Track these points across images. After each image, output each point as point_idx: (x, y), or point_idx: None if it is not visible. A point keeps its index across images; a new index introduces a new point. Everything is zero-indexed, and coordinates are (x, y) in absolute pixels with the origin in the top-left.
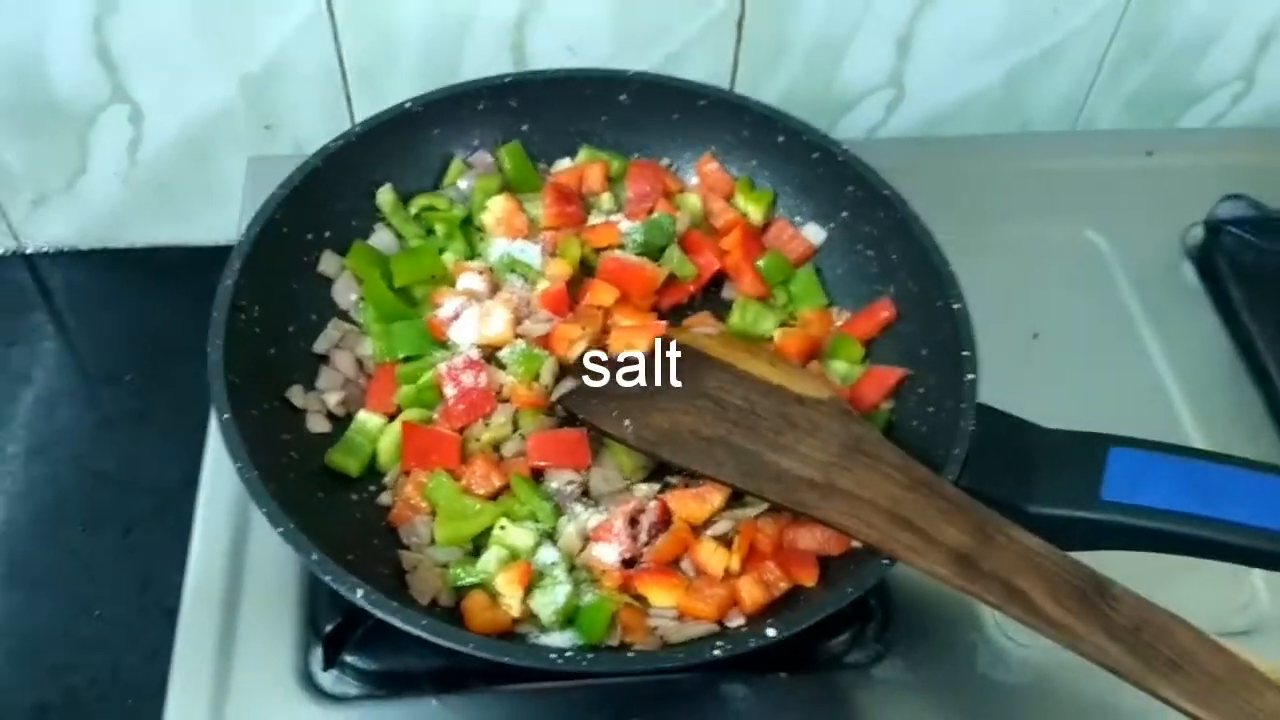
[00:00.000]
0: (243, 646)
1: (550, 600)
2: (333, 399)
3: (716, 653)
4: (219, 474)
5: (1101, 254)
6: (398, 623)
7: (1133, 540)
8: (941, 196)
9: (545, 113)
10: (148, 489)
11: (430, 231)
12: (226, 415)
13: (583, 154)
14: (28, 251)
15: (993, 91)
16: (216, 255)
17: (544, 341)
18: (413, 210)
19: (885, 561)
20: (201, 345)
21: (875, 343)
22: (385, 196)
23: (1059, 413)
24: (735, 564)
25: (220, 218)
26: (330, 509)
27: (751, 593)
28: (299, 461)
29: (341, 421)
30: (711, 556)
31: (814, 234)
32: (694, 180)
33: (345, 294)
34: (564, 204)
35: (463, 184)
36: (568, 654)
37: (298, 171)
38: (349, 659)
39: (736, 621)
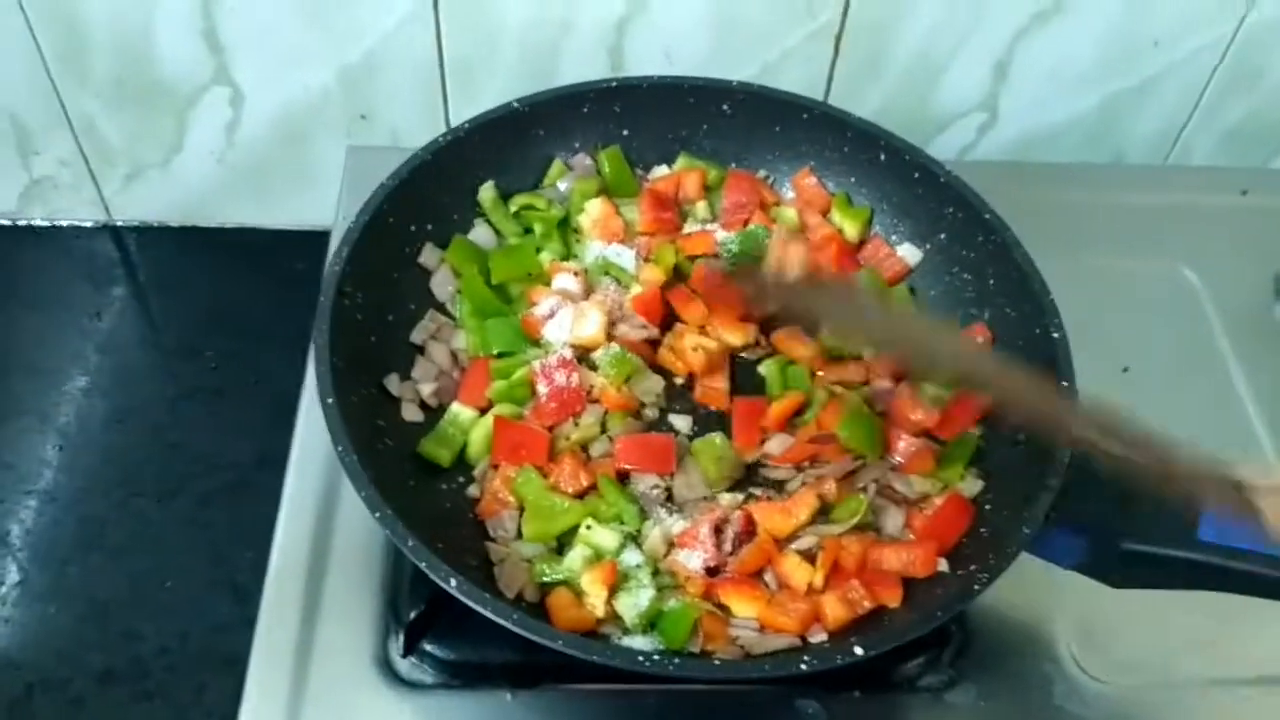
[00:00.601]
0: (323, 627)
1: (634, 603)
2: (426, 389)
3: (803, 667)
4: (307, 456)
5: (1194, 291)
6: (489, 614)
7: (1225, 582)
8: (1030, 223)
9: (647, 118)
10: (222, 465)
11: (528, 230)
12: (330, 399)
13: (680, 161)
14: (117, 224)
15: (1086, 120)
16: (301, 240)
17: (635, 346)
18: (512, 208)
19: (976, 587)
20: (283, 327)
21: None
22: (487, 193)
23: None
24: (819, 580)
25: (308, 203)
26: (420, 497)
27: (835, 609)
28: (393, 449)
29: (434, 412)
30: (795, 570)
31: (910, 254)
32: (790, 194)
33: (443, 287)
34: (660, 210)
35: (562, 185)
36: (655, 657)
37: (406, 164)
38: (428, 647)
39: (818, 637)
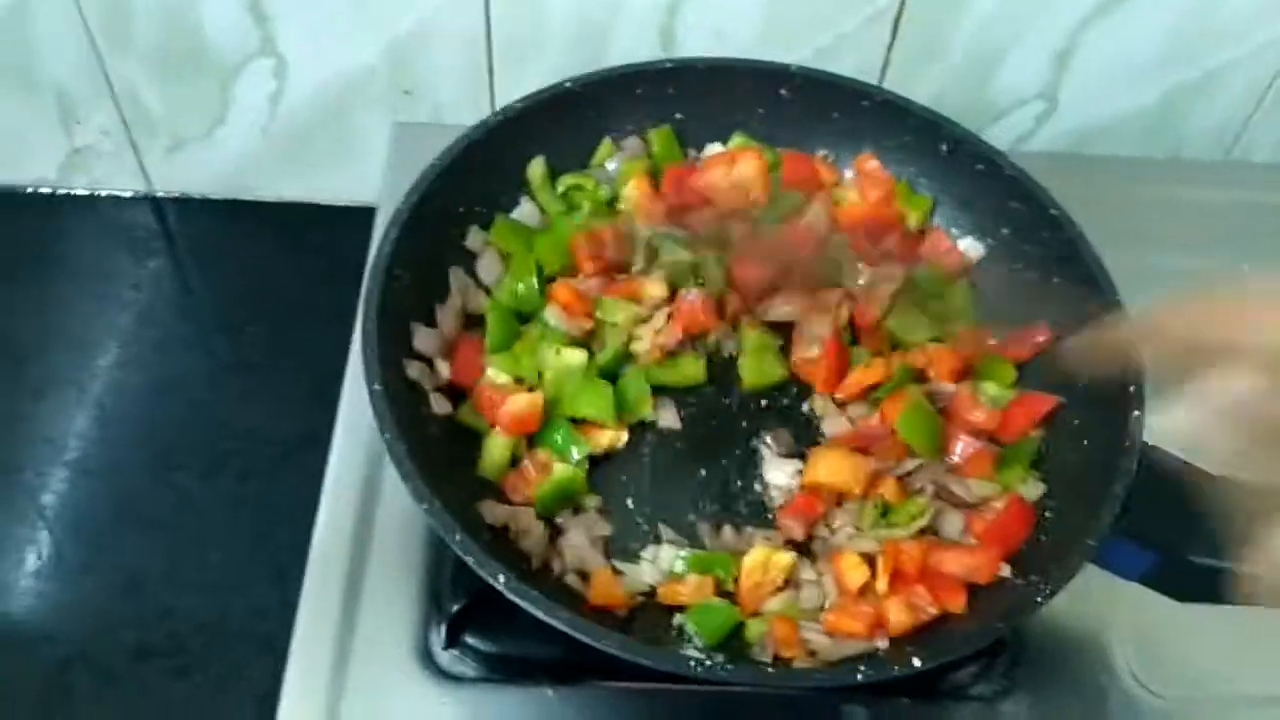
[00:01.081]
0: (365, 617)
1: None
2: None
3: (859, 677)
4: (350, 438)
5: None
6: (540, 613)
7: None
8: (1087, 217)
9: (701, 101)
10: (263, 440)
11: (574, 209)
12: (377, 386)
13: (736, 139)
14: (158, 195)
15: (1147, 113)
16: (343, 214)
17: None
18: (560, 189)
19: (1038, 600)
20: (325, 303)
21: (1028, 367)
22: (535, 170)
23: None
24: (882, 585)
25: (351, 178)
26: (466, 486)
27: (899, 615)
28: (438, 437)
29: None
30: (852, 570)
31: (971, 248)
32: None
33: (490, 270)
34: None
35: (610, 165)
36: (706, 663)
37: (457, 143)
38: (470, 640)
39: (881, 644)
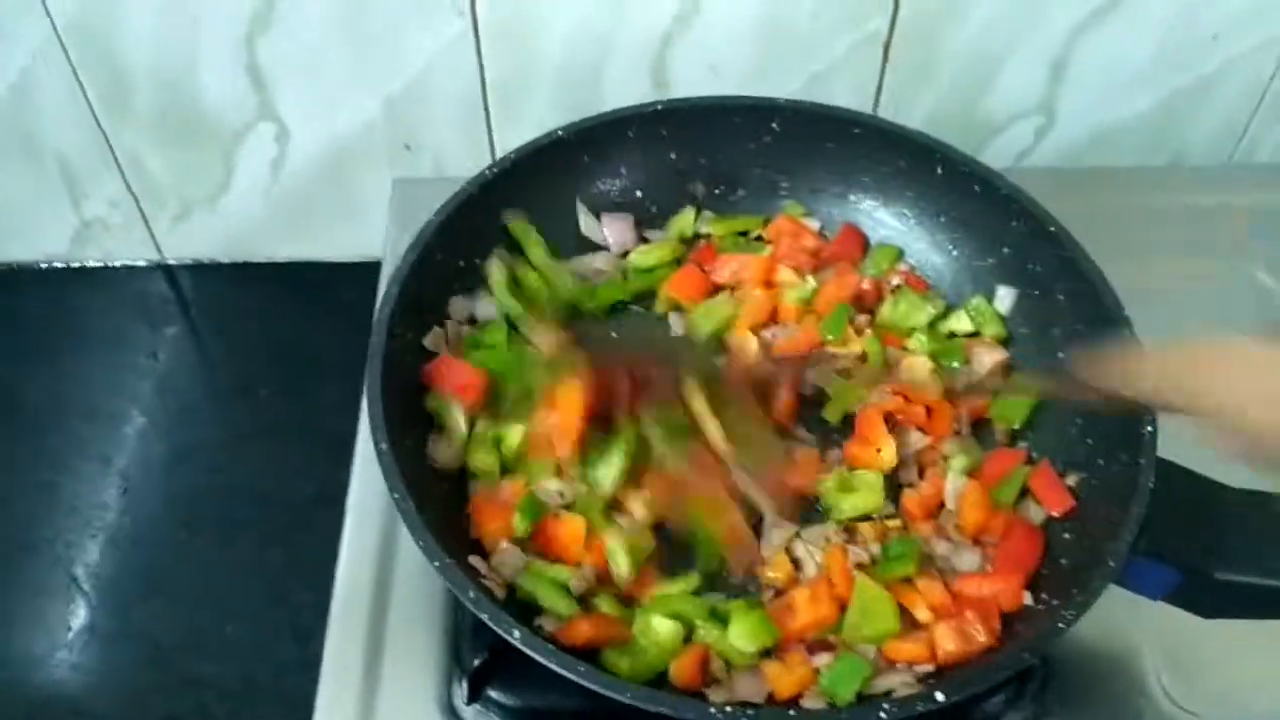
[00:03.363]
0: (387, 674)
1: None
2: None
3: (883, 715)
4: (365, 497)
5: (1272, 294)
6: (555, 667)
7: None
8: (1093, 229)
9: (694, 140)
10: (281, 504)
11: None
12: (384, 445)
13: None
14: (170, 263)
15: (1147, 120)
16: (352, 272)
17: None
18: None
19: (1061, 625)
20: (335, 360)
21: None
22: (495, 270)
23: (1236, 468)
24: (923, 614)
25: (356, 235)
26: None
27: (947, 642)
28: (449, 491)
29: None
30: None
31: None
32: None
33: (487, 309)
34: None
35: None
36: (727, 709)
37: (452, 199)
38: (493, 694)
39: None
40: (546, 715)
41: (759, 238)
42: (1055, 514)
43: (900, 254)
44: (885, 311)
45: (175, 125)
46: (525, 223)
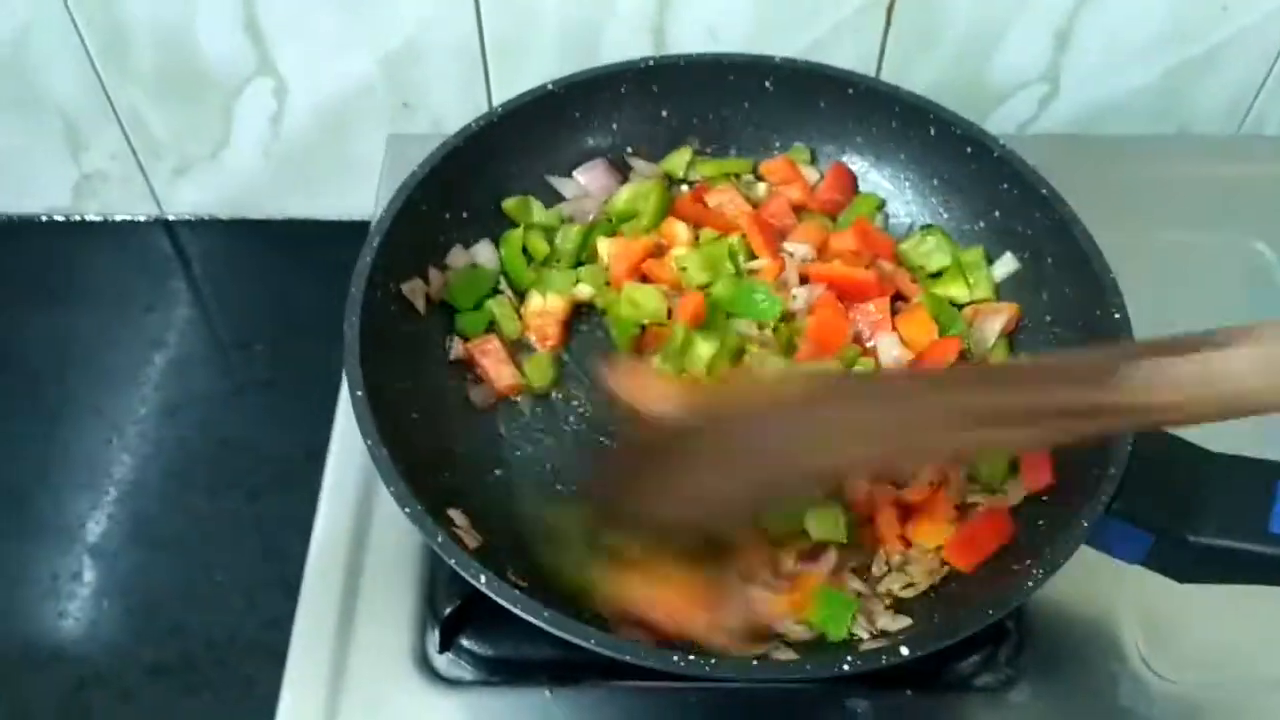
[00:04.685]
0: (361, 622)
1: None
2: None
3: (845, 667)
4: (345, 449)
5: (1269, 266)
6: (520, 611)
7: None
8: (1096, 198)
9: (686, 97)
10: (273, 458)
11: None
12: (360, 392)
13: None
14: (169, 218)
15: (1153, 90)
16: (352, 230)
17: None
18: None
19: (1030, 584)
20: (332, 318)
21: (1025, 349)
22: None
23: (1221, 435)
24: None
25: (357, 193)
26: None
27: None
28: (427, 442)
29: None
30: None
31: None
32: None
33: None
34: None
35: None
36: (690, 658)
37: (438, 150)
38: (465, 643)
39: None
40: (519, 664)
41: (758, 177)
42: (1032, 490)
43: (882, 203)
44: (909, 246)
45: (174, 78)
46: (519, 198)
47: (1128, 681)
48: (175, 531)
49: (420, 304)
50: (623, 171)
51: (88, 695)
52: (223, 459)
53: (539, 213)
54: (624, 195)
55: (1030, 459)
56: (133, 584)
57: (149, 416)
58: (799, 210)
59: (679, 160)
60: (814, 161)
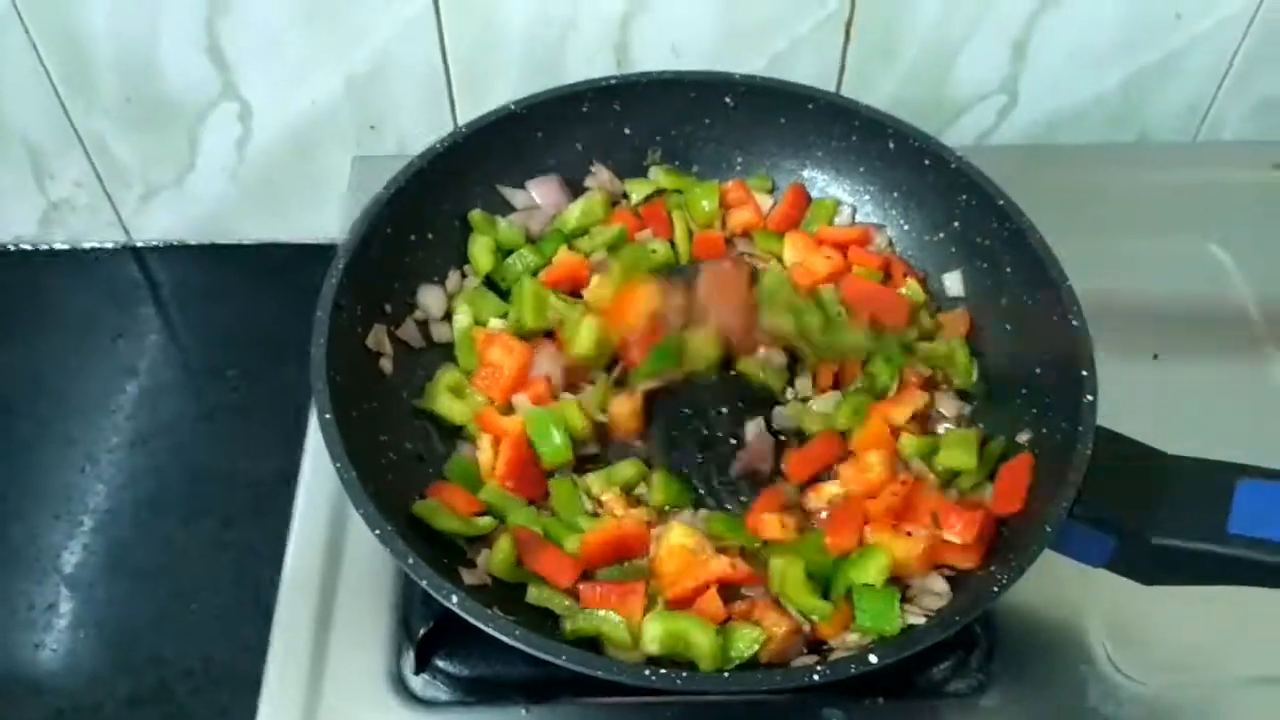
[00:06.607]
0: (336, 645)
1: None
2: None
3: (815, 677)
4: (317, 473)
5: (1226, 271)
6: (492, 631)
7: (1262, 576)
8: (1055, 207)
9: (648, 115)
10: (246, 483)
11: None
12: (328, 415)
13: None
14: (137, 245)
15: (1110, 99)
16: (319, 253)
17: None
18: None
19: (995, 589)
20: (302, 342)
21: (985, 356)
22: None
23: (1181, 438)
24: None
25: (324, 216)
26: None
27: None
28: (397, 463)
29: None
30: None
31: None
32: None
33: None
34: None
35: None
36: (661, 672)
37: (402, 172)
38: (441, 664)
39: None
40: (494, 684)
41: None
42: (1001, 513)
43: (837, 205)
44: None
45: (138, 105)
46: (482, 214)
47: (1096, 683)
48: (151, 560)
49: (385, 345)
50: (577, 191)
51: None
52: (196, 485)
53: (503, 230)
54: (575, 211)
55: (1006, 486)
56: (109, 614)
57: (122, 445)
58: (749, 232)
59: (643, 187)
60: (773, 191)
